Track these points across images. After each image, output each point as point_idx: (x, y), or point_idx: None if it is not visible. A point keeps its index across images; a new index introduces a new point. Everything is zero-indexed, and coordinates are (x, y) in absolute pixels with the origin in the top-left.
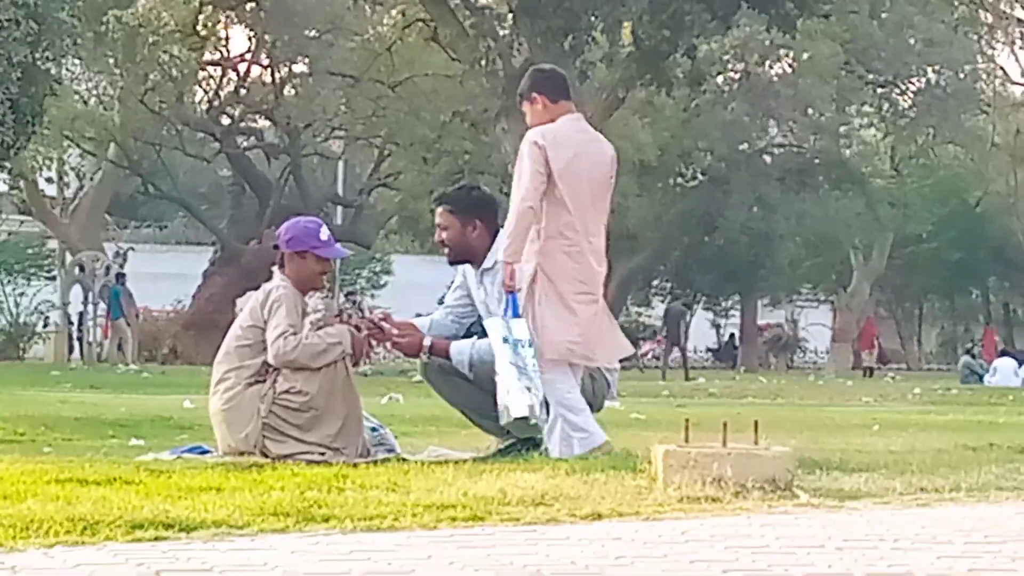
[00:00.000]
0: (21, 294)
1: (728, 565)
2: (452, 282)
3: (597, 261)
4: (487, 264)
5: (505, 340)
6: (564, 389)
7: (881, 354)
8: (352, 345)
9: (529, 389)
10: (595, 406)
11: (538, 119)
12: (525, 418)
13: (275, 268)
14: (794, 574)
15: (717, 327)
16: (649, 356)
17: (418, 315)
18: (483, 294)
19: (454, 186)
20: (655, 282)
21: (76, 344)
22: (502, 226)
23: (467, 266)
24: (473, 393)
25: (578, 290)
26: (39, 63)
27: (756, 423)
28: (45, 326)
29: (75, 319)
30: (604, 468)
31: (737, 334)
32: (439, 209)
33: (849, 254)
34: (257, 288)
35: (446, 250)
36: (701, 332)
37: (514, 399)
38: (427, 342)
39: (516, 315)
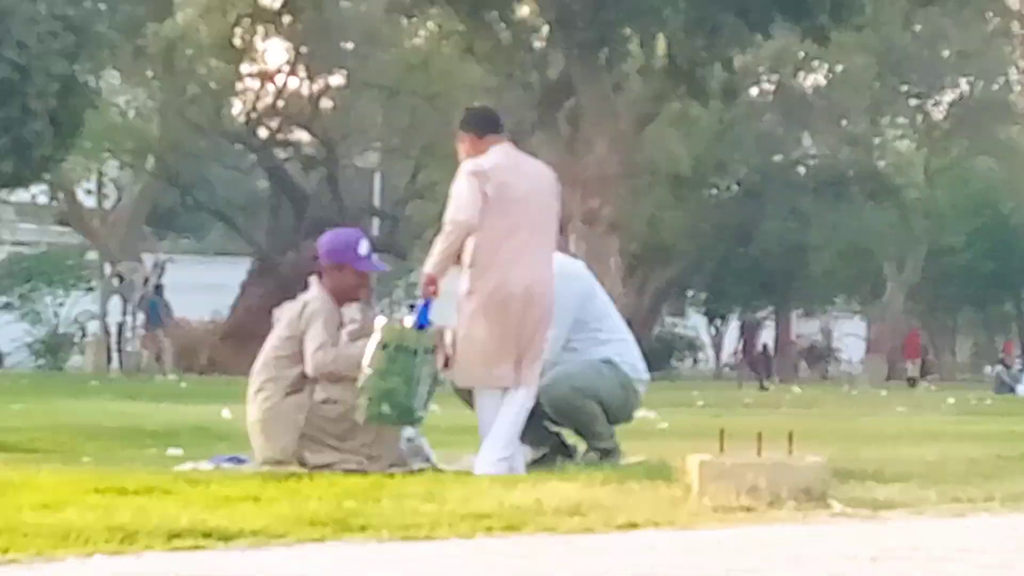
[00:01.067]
0: (60, 304)
1: (763, 575)
2: None
3: (533, 286)
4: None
5: (399, 348)
6: (486, 418)
7: (924, 365)
8: None
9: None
10: (623, 417)
11: (466, 155)
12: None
13: (312, 278)
14: None
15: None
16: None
17: None
18: None
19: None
20: (690, 293)
21: (115, 354)
22: None
23: None
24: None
25: (499, 316)
26: (78, 76)
27: (791, 434)
28: (84, 336)
29: (113, 329)
30: (639, 478)
31: (771, 344)
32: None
33: (883, 265)
34: (294, 298)
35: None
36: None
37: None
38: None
39: (424, 324)
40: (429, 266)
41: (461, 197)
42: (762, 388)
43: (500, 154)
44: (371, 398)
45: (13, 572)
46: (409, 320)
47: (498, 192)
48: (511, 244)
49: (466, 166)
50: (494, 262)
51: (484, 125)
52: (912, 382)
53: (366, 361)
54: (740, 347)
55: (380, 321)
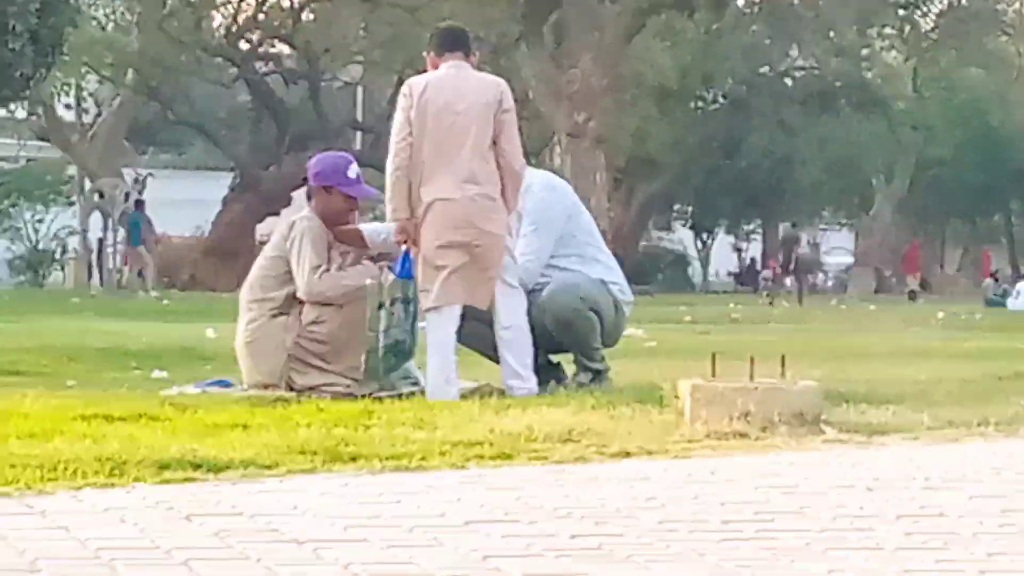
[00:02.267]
0: (40, 221)
1: (760, 507)
2: None
3: (476, 205)
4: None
5: (393, 302)
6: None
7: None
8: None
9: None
10: (612, 340)
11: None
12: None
13: (295, 193)
14: (825, 516)
15: (739, 251)
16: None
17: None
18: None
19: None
20: (676, 207)
21: (96, 271)
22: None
23: None
24: (487, 334)
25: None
26: None
27: (783, 357)
28: (64, 253)
29: (94, 246)
30: (630, 402)
31: (759, 258)
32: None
33: (871, 177)
34: (276, 214)
35: None
36: (723, 256)
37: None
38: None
39: (406, 275)
40: (392, 215)
41: (393, 134)
42: (800, 304)
43: (441, 71)
44: (381, 356)
45: (3, 506)
46: (390, 277)
47: (419, 109)
48: (420, 158)
49: (404, 86)
50: (417, 179)
51: (442, 44)
52: (913, 296)
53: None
54: (775, 260)
55: (371, 284)
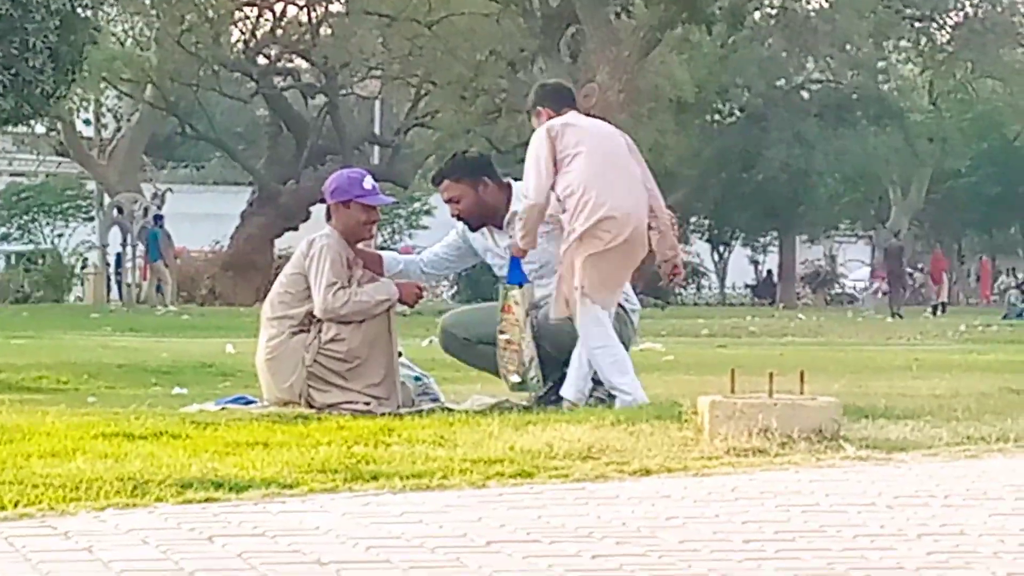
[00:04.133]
0: (59, 235)
1: (780, 526)
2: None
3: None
4: (513, 208)
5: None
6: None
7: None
8: (402, 295)
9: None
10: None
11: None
12: (522, 382)
13: (313, 208)
14: (846, 535)
15: (755, 263)
16: (874, 291)
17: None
18: (508, 241)
19: (442, 163)
20: (693, 219)
21: (115, 286)
22: (508, 176)
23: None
24: (495, 356)
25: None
26: (78, 10)
27: (802, 373)
28: (84, 268)
29: (113, 260)
30: (649, 418)
31: (776, 270)
32: (444, 185)
33: (887, 190)
34: (295, 228)
35: (461, 223)
36: (739, 268)
37: (511, 364)
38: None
39: (520, 281)
40: (522, 243)
41: (530, 171)
42: (898, 315)
43: (573, 115)
44: (534, 364)
45: (25, 527)
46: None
47: (571, 138)
48: (587, 178)
49: (543, 127)
50: (594, 194)
51: (559, 101)
52: (942, 308)
53: (513, 334)
54: (881, 272)
55: (514, 293)
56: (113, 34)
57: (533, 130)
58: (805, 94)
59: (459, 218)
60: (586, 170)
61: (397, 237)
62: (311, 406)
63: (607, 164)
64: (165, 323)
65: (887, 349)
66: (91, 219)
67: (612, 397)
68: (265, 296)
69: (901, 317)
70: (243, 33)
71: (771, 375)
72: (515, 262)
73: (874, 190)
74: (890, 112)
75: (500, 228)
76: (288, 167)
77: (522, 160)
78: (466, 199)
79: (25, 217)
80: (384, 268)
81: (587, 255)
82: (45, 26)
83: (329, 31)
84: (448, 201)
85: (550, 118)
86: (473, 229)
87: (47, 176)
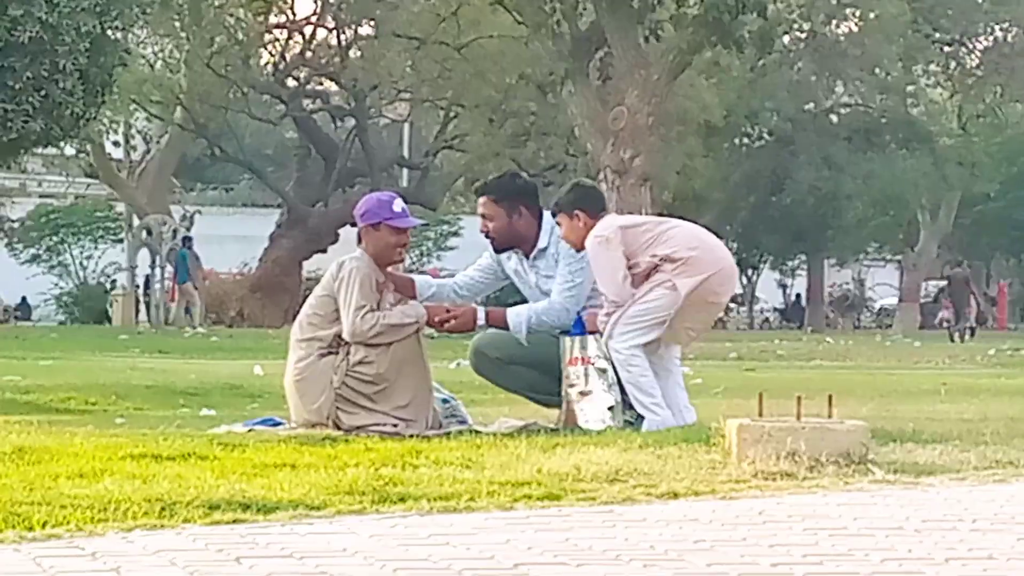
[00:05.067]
0: (88, 257)
1: (808, 549)
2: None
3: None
4: (541, 244)
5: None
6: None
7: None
8: (430, 319)
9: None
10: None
11: (576, 235)
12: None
13: (342, 230)
14: (874, 559)
15: (784, 287)
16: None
17: (420, 271)
18: (535, 276)
19: (494, 176)
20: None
21: (144, 307)
22: (544, 208)
23: (492, 250)
24: (528, 376)
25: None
26: (108, 33)
27: (830, 397)
28: (112, 289)
29: (142, 282)
30: (677, 441)
31: (804, 294)
32: (482, 200)
33: (916, 213)
34: (323, 251)
35: (491, 240)
36: (768, 292)
37: (591, 411)
38: (481, 315)
39: (582, 333)
40: (600, 324)
41: (606, 280)
42: (964, 340)
43: (613, 218)
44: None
45: (53, 548)
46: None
47: (630, 234)
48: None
49: (596, 231)
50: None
51: (598, 206)
52: (971, 332)
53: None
54: (948, 300)
55: (579, 342)
56: (143, 56)
57: (558, 224)
58: (834, 118)
59: (486, 235)
60: (688, 236)
61: (425, 259)
62: (339, 428)
63: (700, 229)
64: (193, 344)
65: (915, 373)
66: (120, 241)
67: (640, 419)
68: (294, 318)
69: (962, 341)
70: (272, 56)
71: (799, 398)
72: (579, 318)
73: (903, 214)
74: (919, 136)
75: (528, 257)
76: (317, 189)
77: (550, 184)
78: (498, 221)
79: (54, 239)
80: (416, 292)
81: (695, 309)
82: (75, 48)
83: (358, 54)
84: (481, 216)
85: (587, 222)
86: (497, 251)
87: (76, 198)
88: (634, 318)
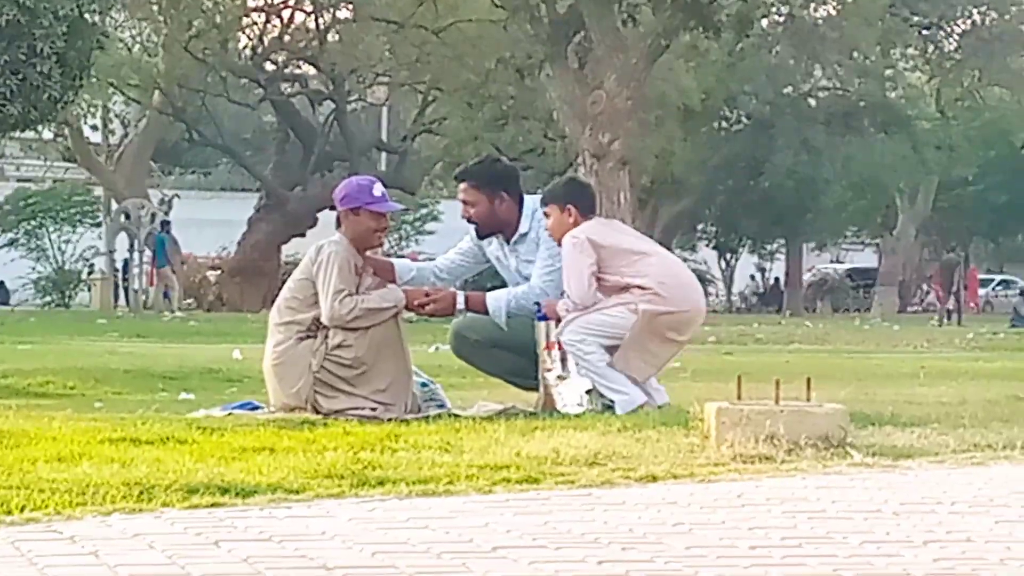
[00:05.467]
0: (66, 241)
1: (787, 532)
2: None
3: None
4: (522, 229)
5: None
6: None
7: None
8: (409, 303)
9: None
10: None
11: (562, 229)
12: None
13: (321, 215)
14: (853, 541)
15: (762, 271)
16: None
17: (398, 256)
18: (515, 261)
19: (474, 161)
20: (700, 227)
21: (122, 292)
22: (526, 193)
23: (475, 235)
24: (508, 359)
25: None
26: (86, 16)
27: (808, 380)
28: (90, 273)
29: (120, 266)
30: (656, 425)
31: (782, 278)
32: (463, 186)
33: (895, 197)
34: (302, 235)
35: (473, 226)
36: (746, 276)
37: (569, 394)
38: (460, 299)
39: (544, 317)
40: (560, 311)
41: (571, 278)
42: (959, 325)
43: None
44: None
45: (32, 532)
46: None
47: (605, 253)
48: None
49: (574, 233)
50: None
51: (590, 206)
52: (950, 316)
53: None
54: (937, 285)
55: (554, 328)
56: (121, 40)
57: (546, 215)
58: (812, 101)
59: (469, 220)
60: (664, 271)
61: (404, 243)
62: (317, 412)
63: (679, 266)
64: (172, 329)
65: (894, 356)
66: (98, 225)
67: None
68: (272, 302)
69: (949, 324)
70: (251, 39)
71: (777, 382)
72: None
73: (881, 198)
74: (897, 120)
75: (508, 241)
76: (295, 173)
77: (529, 168)
78: (479, 207)
79: (32, 223)
80: (396, 275)
81: (650, 337)
82: (52, 32)
83: (337, 37)
84: (463, 202)
85: (576, 219)
86: (480, 236)
87: (54, 182)
88: (589, 325)
